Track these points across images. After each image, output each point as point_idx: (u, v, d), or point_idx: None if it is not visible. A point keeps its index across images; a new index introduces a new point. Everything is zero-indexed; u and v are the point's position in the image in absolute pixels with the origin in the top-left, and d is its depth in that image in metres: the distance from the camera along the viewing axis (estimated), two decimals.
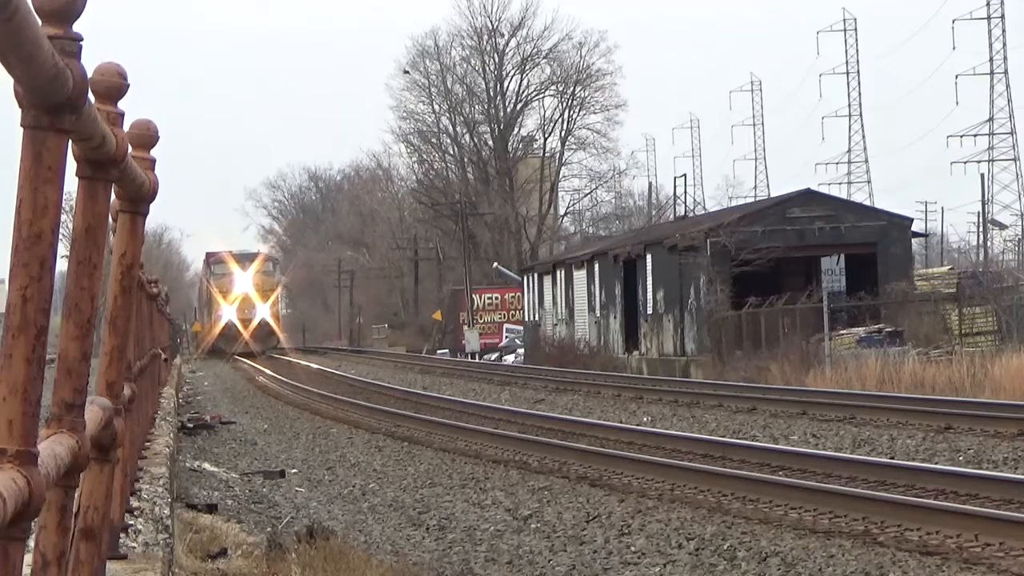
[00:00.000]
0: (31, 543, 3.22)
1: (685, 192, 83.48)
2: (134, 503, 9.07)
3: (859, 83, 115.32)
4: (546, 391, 40.48)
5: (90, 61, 3.00)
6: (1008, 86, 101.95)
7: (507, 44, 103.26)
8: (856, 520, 15.05)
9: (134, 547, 7.52)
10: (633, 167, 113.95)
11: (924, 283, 50.15)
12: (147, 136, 5.04)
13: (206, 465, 23.38)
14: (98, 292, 3.58)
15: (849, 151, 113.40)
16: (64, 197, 2.71)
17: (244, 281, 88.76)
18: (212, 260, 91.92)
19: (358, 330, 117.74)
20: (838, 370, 38.26)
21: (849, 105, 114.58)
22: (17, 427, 2.60)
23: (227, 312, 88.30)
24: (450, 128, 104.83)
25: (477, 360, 73.43)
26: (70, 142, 2.78)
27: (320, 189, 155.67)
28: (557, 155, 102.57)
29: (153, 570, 6.86)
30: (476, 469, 22.56)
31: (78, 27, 2.79)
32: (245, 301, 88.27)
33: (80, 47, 2.78)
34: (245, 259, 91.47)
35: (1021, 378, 31.66)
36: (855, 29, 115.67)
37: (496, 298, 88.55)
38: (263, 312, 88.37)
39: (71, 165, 2.98)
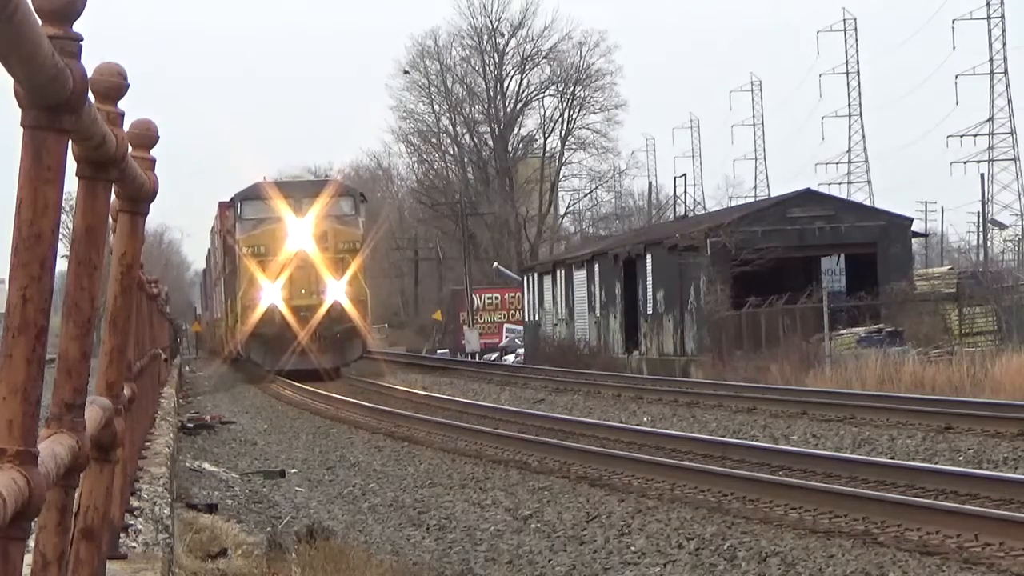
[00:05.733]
0: (31, 543, 3.22)
1: (685, 192, 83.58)
2: (134, 503, 9.07)
3: (859, 83, 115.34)
4: (546, 391, 40.47)
5: (90, 61, 3.01)
6: (1008, 86, 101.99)
7: (507, 44, 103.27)
8: (856, 520, 15.05)
9: (134, 547, 7.52)
10: (633, 167, 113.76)
11: (924, 283, 50.13)
12: (147, 136, 5.05)
13: (206, 465, 23.37)
14: (98, 292, 3.58)
15: (849, 151, 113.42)
16: (64, 197, 2.71)
17: (301, 233, 49.68)
18: (241, 199, 51.60)
19: None
20: (838, 370, 38.24)
21: (849, 105, 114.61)
22: (17, 427, 2.60)
23: (268, 293, 49.48)
24: (450, 128, 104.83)
25: (477, 360, 73.42)
26: (70, 142, 2.79)
27: None
28: (557, 155, 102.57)
29: (153, 570, 6.86)
30: (476, 469, 22.56)
31: (78, 27, 2.79)
32: (303, 271, 49.51)
33: (80, 47, 2.78)
34: (302, 192, 51.19)
35: (1021, 378, 31.65)
36: (855, 29, 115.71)
37: (496, 298, 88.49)
38: (336, 292, 49.52)
39: (71, 165, 2.98)
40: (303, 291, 49.74)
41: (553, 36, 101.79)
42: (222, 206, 58.71)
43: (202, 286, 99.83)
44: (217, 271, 65.14)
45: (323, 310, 49.40)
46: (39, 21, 2.47)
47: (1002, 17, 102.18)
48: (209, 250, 77.12)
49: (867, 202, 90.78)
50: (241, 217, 51.59)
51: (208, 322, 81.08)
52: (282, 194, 50.54)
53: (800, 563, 13.50)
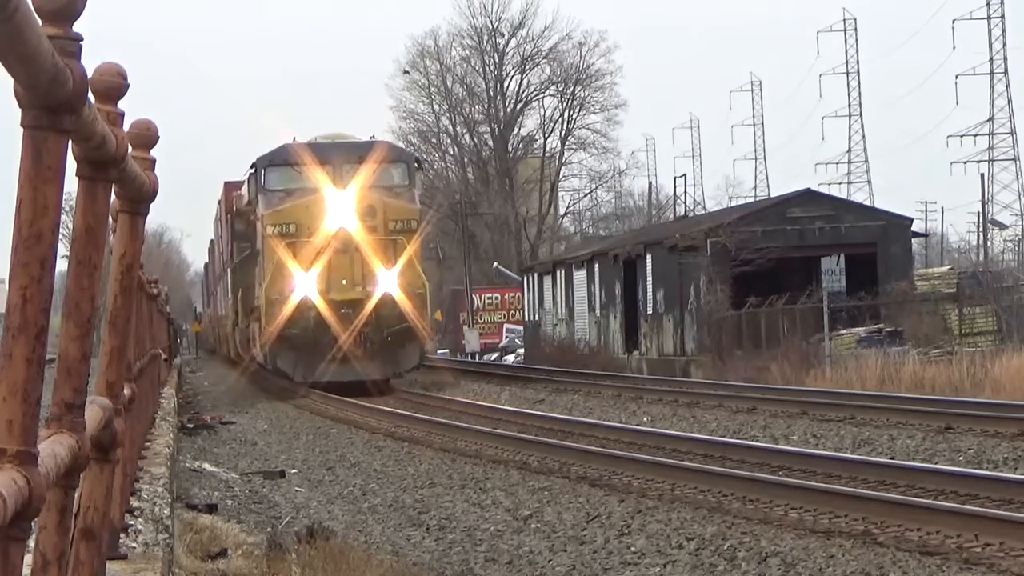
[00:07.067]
0: (31, 543, 3.22)
1: (685, 192, 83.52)
2: (134, 503, 9.07)
3: (859, 83, 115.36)
4: (546, 391, 40.46)
5: (91, 61, 3.01)
6: (1008, 86, 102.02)
7: (507, 44, 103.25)
8: (856, 520, 15.04)
9: (134, 547, 7.52)
10: (633, 167, 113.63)
11: (924, 283, 50.14)
12: (147, 136, 5.05)
13: (206, 465, 23.38)
14: (98, 292, 3.58)
15: (849, 151, 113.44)
16: (64, 197, 2.71)
17: (342, 208, 39.83)
18: (265, 164, 41.22)
19: None
20: (838, 370, 38.25)
21: (849, 105, 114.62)
22: (17, 427, 2.60)
23: (300, 284, 39.62)
24: (450, 128, 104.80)
25: (477, 360, 73.40)
26: (70, 142, 2.79)
27: None
28: (557, 155, 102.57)
29: (153, 570, 6.86)
30: (476, 469, 22.56)
31: (78, 27, 2.79)
32: (345, 256, 39.76)
33: (80, 47, 2.78)
34: (343, 156, 40.59)
35: (1021, 378, 31.66)
36: (855, 29, 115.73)
37: (496, 298, 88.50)
38: (387, 283, 39.68)
39: (71, 165, 2.98)
40: (344, 281, 39.80)
41: (553, 36, 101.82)
42: (228, 187, 52.03)
43: (203, 282, 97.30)
44: (222, 261, 56.51)
45: (370, 306, 39.45)
46: (39, 21, 2.47)
47: (1002, 17, 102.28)
48: (212, 241, 69.23)
49: (867, 202, 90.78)
50: (265, 187, 40.80)
51: (211, 319, 75.75)
52: (317, 159, 40.10)
53: (800, 563, 13.50)
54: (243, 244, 46.46)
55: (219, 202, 57.53)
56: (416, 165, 43.08)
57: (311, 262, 39.49)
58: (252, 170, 42.22)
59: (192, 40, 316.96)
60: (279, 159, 40.88)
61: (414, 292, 40.09)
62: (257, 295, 41.67)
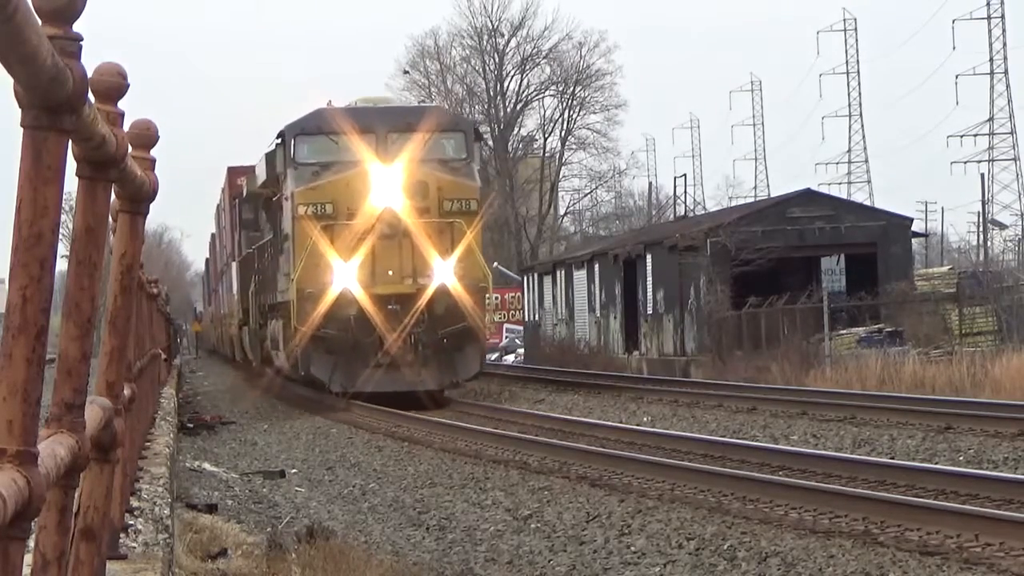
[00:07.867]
0: (31, 543, 3.22)
1: (685, 192, 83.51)
2: (134, 503, 9.07)
3: (859, 83, 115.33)
4: (546, 391, 40.44)
5: (91, 61, 3.01)
6: (1008, 86, 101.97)
7: (507, 44, 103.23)
8: (856, 520, 15.04)
9: (134, 547, 7.52)
10: (633, 167, 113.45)
11: (924, 283, 50.12)
12: (147, 136, 5.05)
13: (206, 465, 23.38)
14: (98, 292, 3.58)
15: (849, 151, 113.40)
16: (64, 197, 2.71)
17: (388, 185, 34.03)
18: (296, 133, 34.99)
19: None
20: (838, 370, 38.24)
21: (849, 105, 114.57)
22: (17, 427, 2.60)
23: (340, 274, 33.76)
24: None
25: None
26: (70, 142, 2.79)
27: None
28: (557, 155, 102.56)
29: (153, 570, 6.86)
30: (476, 469, 22.55)
31: (78, 27, 2.79)
32: (392, 242, 34.07)
33: (80, 47, 2.78)
34: (389, 124, 34.77)
35: (1021, 378, 31.65)
36: (855, 29, 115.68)
37: (496, 298, 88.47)
38: (443, 275, 33.96)
39: (71, 165, 2.98)
40: (391, 272, 33.92)
41: (553, 36, 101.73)
42: (232, 172, 47.67)
43: (204, 280, 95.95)
44: (226, 255, 51.55)
45: (423, 301, 33.64)
46: (39, 21, 2.47)
47: (1002, 17, 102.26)
48: (212, 235, 64.71)
49: (867, 202, 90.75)
50: (295, 160, 34.64)
51: (213, 318, 71.92)
52: (358, 127, 33.95)
53: (800, 563, 13.49)
54: (252, 233, 41.86)
55: (222, 190, 52.92)
56: (475, 135, 36.64)
57: (352, 249, 33.62)
58: (279, 140, 35.41)
59: (192, 40, 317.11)
60: (312, 127, 34.79)
61: (475, 285, 34.35)
62: (284, 289, 35.78)
